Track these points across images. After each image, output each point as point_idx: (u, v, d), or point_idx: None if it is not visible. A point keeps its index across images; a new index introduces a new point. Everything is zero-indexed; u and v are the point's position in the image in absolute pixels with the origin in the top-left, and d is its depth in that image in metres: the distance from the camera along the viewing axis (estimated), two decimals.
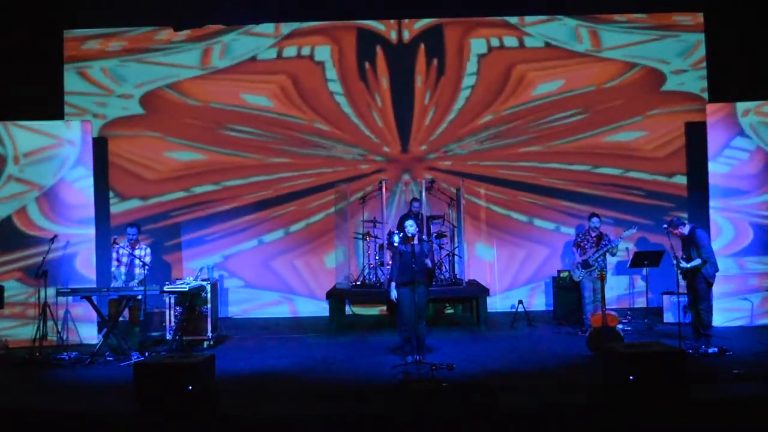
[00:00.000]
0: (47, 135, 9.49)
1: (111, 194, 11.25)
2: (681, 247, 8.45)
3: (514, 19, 11.39)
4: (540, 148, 11.35)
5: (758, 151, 9.64)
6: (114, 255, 8.95)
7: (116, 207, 11.25)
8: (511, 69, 11.39)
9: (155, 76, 11.37)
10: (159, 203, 11.35)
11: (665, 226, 8.60)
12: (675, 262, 8.19)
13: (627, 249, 10.56)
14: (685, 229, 8.30)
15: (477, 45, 11.41)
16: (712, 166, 9.70)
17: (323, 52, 11.45)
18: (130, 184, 11.33)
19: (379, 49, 11.45)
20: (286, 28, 11.42)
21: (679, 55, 11.26)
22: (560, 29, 11.35)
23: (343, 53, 11.46)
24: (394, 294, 7.78)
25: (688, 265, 8.12)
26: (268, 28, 11.40)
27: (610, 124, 11.29)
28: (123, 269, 8.88)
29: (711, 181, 9.69)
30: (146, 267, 8.49)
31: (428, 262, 7.78)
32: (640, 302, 10.77)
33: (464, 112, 11.43)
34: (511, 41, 11.41)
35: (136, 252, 8.83)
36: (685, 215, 10.95)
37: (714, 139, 9.71)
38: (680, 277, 8.35)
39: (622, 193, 11.27)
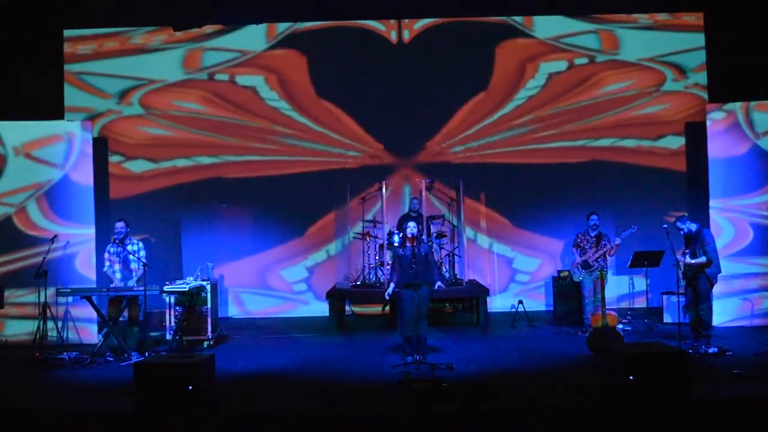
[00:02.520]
0: (47, 134, 9.48)
1: (118, 158, 11.26)
2: (683, 246, 8.45)
3: (517, 18, 11.41)
4: (539, 145, 11.36)
5: (758, 150, 9.63)
6: (105, 255, 8.86)
7: (117, 203, 11.28)
8: (524, 64, 11.38)
9: (153, 76, 11.38)
10: (159, 200, 11.36)
11: (665, 226, 8.60)
12: (679, 259, 8.17)
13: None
14: (693, 227, 8.29)
15: (487, 47, 11.41)
16: (712, 165, 9.70)
17: (323, 50, 11.44)
18: (127, 182, 11.35)
19: (378, 49, 11.45)
20: (285, 27, 11.42)
21: (680, 55, 11.27)
22: (560, 31, 11.37)
23: (343, 53, 11.46)
24: (388, 292, 7.80)
25: (694, 261, 8.10)
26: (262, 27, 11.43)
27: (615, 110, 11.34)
28: (117, 267, 8.81)
29: (711, 180, 9.69)
30: (145, 265, 8.43)
31: (440, 284, 7.84)
32: (640, 302, 10.77)
33: (467, 112, 11.43)
34: (523, 45, 11.45)
35: (128, 248, 8.74)
36: (685, 215, 10.93)
37: (713, 138, 9.71)
38: (681, 275, 8.35)
39: (622, 190, 11.26)
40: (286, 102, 11.46)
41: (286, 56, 11.46)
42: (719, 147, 9.68)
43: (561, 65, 11.39)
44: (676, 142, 11.25)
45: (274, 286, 11.48)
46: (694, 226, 8.29)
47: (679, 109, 11.24)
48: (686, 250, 8.24)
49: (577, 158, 11.36)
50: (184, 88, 11.41)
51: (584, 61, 11.36)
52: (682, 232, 8.32)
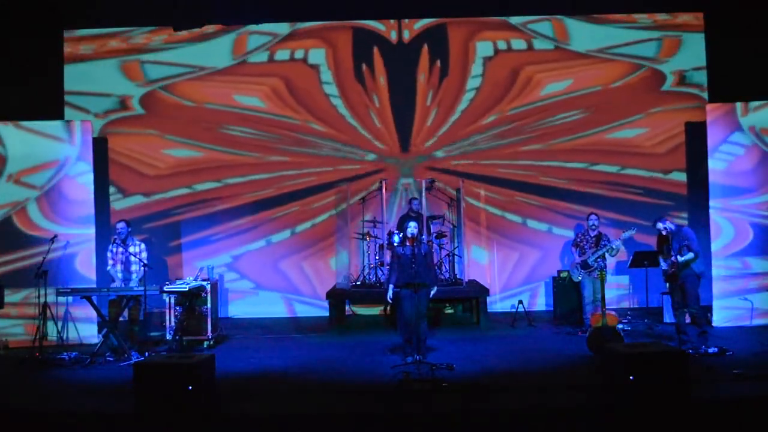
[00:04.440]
0: (47, 135, 9.48)
1: (112, 189, 11.24)
2: (657, 245, 8.41)
3: (516, 20, 11.36)
4: (541, 146, 11.33)
5: (758, 151, 9.63)
6: (108, 255, 8.91)
7: (118, 203, 11.23)
8: (517, 70, 11.37)
9: (154, 76, 11.38)
10: (160, 201, 11.35)
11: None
12: (668, 259, 8.16)
13: (626, 248, 10.55)
14: (672, 226, 8.29)
15: (483, 47, 11.39)
16: (712, 166, 9.70)
17: (321, 54, 11.44)
18: (131, 181, 11.32)
19: (378, 50, 11.44)
20: (284, 28, 11.42)
21: (679, 54, 11.26)
22: (564, 30, 11.33)
23: (343, 54, 11.45)
24: (390, 295, 7.82)
25: (683, 259, 8.10)
26: (265, 28, 11.37)
27: (611, 123, 11.28)
28: (119, 267, 8.84)
29: (711, 180, 9.69)
30: (146, 265, 8.45)
31: (433, 291, 7.84)
32: (640, 302, 10.77)
33: (466, 112, 11.42)
34: (516, 43, 11.39)
35: (130, 249, 8.78)
36: (685, 215, 10.97)
37: (714, 138, 9.71)
38: (667, 278, 8.30)
39: (622, 192, 11.26)
40: (285, 103, 11.46)
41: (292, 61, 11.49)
42: (719, 147, 9.67)
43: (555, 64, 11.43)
44: (679, 176, 11.23)
45: (275, 286, 11.47)
46: (672, 226, 8.30)
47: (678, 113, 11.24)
48: (672, 249, 8.20)
49: (578, 159, 11.34)
50: (182, 88, 11.41)
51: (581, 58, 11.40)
52: (663, 233, 8.28)
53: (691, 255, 8.08)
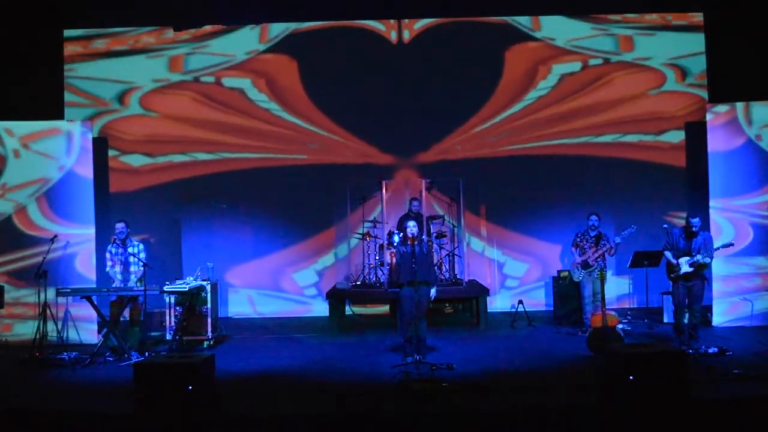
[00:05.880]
0: (47, 135, 9.48)
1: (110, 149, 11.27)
2: (670, 241, 8.33)
3: (521, 19, 11.41)
4: (538, 143, 11.36)
5: (758, 150, 9.63)
6: (108, 256, 8.87)
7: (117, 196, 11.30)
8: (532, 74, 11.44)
9: (155, 76, 11.38)
10: (160, 201, 11.36)
11: (665, 226, 8.61)
12: (688, 258, 8.05)
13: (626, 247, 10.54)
14: (697, 226, 8.21)
15: (510, 56, 11.45)
16: (712, 166, 9.69)
17: (323, 51, 11.44)
18: (128, 178, 11.38)
19: (381, 49, 11.44)
20: (286, 27, 11.42)
21: (679, 54, 11.27)
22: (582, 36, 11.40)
23: (343, 53, 11.45)
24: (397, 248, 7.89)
25: (709, 260, 8.05)
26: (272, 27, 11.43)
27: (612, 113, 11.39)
28: (119, 268, 8.81)
29: (711, 180, 9.68)
30: (146, 265, 8.44)
31: (433, 292, 7.81)
32: (640, 302, 10.77)
33: (469, 113, 11.44)
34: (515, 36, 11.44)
35: (129, 249, 8.75)
36: (683, 215, 10.95)
37: (714, 138, 9.70)
38: (679, 275, 8.22)
39: (622, 190, 11.26)
40: (286, 103, 11.46)
41: (280, 59, 11.46)
42: (719, 147, 9.67)
43: (569, 67, 11.43)
44: (677, 137, 11.23)
45: (273, 285, 11.47)
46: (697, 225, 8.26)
47: (680, 106, 11.24)
48: (692, 249, 8.11)
49: (577, 152, 11.35)
50: (183, 90, 11.42)
51: (597, 62, 11.39)
52: (694, 228, 8.09)
53: (708, 259, 8.07)
